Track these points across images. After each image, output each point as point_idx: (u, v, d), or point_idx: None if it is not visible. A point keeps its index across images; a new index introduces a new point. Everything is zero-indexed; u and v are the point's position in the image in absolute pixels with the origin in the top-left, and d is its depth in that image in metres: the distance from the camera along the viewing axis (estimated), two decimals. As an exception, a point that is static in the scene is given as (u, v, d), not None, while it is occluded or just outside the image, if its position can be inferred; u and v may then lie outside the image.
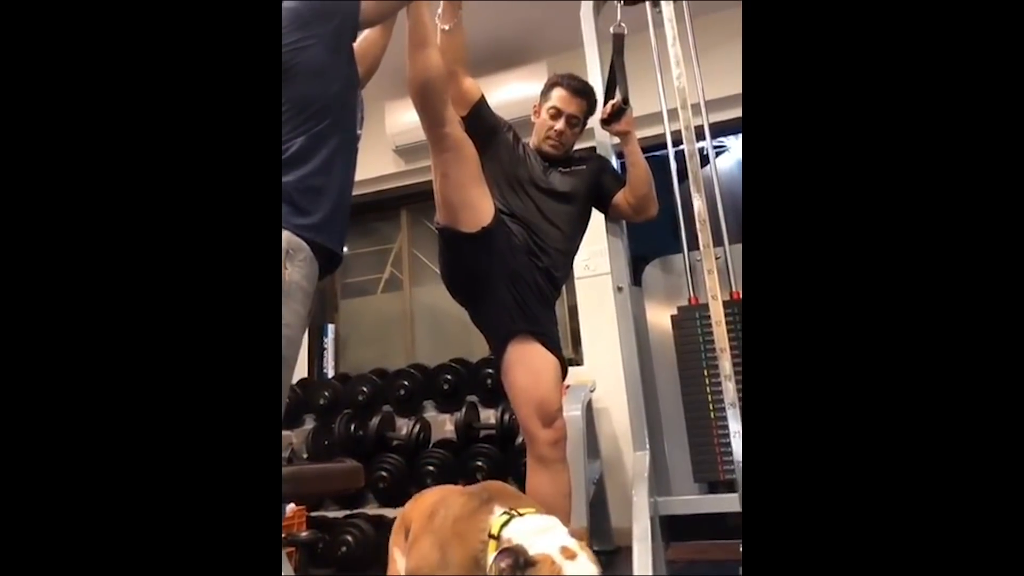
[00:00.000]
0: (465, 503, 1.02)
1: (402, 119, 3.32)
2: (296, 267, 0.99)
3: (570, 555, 0.88)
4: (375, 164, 3.57)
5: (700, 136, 1.91)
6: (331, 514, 2.99)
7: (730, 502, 1.63)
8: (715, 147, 2.15)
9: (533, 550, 0.88)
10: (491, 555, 0.92)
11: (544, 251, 1.78)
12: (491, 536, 0.94)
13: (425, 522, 1.09)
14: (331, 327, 3.74)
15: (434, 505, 1.11)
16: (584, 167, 1.92)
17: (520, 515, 0.97)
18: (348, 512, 2.96)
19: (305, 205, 1.01)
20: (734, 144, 3.29)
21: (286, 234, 0.98)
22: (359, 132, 1.20)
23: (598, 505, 2.61)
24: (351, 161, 1.17)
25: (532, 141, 1.95)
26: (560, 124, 1.88)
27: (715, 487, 1.86)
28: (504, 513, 0.97)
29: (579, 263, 2.75)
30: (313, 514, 2.93)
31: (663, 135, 2.08)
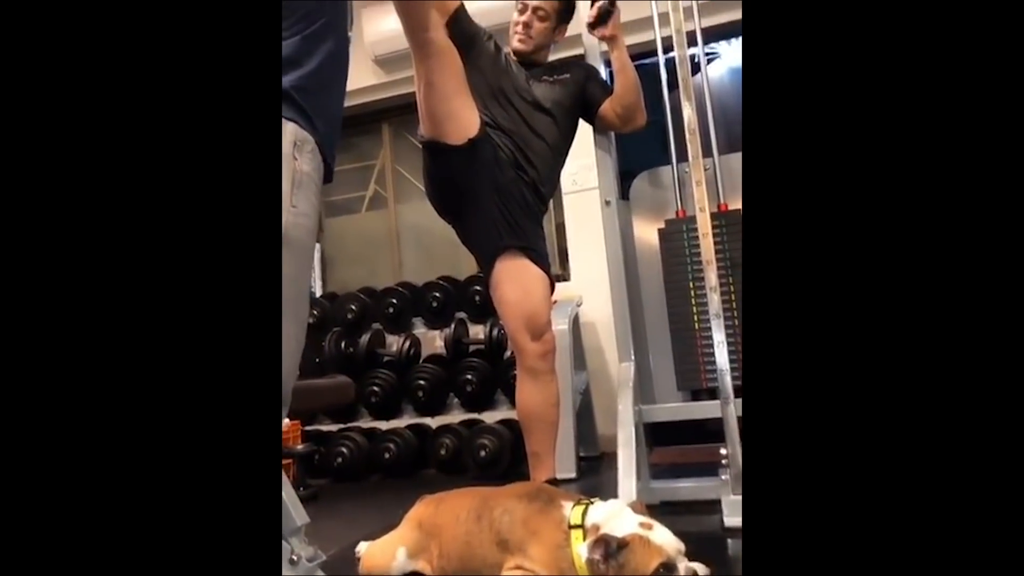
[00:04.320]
0: (529, 504, 1.11)
1: (381, 26, 3.16)
2: (305, 158, 0.97)
3: (648, 527, 0.98)
4: (352, 76, 3.39)
5: (692, 42, 1.84)
6: (326, 427, 3.08)
7: (712, 408, 1.69)
8: (706, 54, 2.08)
9: (620, 532, 0.97)
10: (576, 542, 1.03)
11: (531, 164, 1.75)
12: (573, 526, 1.04)
13: (472, 526, 1.14)
14: (317, 246, 3.71)
15: (476, 510, 1.16)
16: (568, 76, 1.86)
17: (591, 503, 1.07)
18: (342, 426, 3.05)
19: (303, 104, 0.98)
20: (725, 51, 3.19)
21: (292, 126, 0.95)
22: (349, 34, 1.13)
23: (584, 413, 2.70)
24: (343, 68, 1.12)
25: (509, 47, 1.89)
26: (526, 16, 1.83)
27: (698, 395, 1.93)
28: (576, 505, 1.07)
29: (566, 177, 2.71)
30: (308, 428, 3.01)
31: (653, 42, 2.00)
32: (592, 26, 1.85)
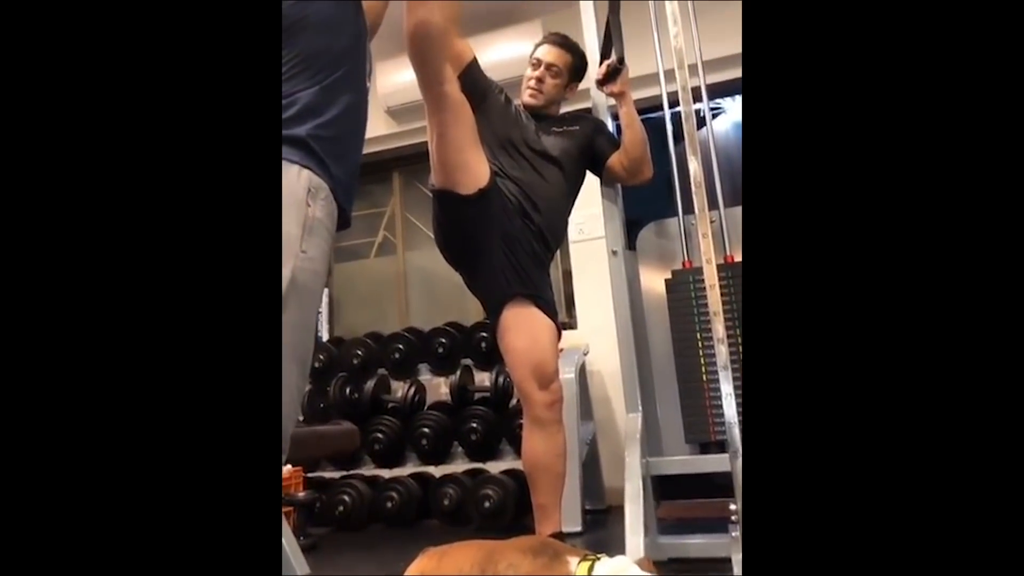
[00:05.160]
0: (534, 559, 1.09)
1: (394, 79, 3.26)
2: (319, 204, 0.99)
3: None
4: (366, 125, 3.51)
5: (697, 98, 1.88)
6: (328, 475, 3.04)
7: (720, 462, 1.66)
8: (711, 109, 2.13)
9: None
10: None
11: (538, 211, 1.77)
12: None
13: None
14: (325, 291, 3.73)
15: (480, 565, 1.13)
16: (577, 128, 1.90)
17: (598, 559, 1.05)
18: (344, 473, 3.01)
19: (319, 152, 1.01)
20: (730, 106, 3.26)
21: (307, 172, 0.98)
22: (368, 85, 1.18)
23: (591, 465, 2.66)
24: (362, 118, 1.15)
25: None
26: (539, 72, 1.89)
27: (706, 447, 1.90)
28: (582, 561, 1.05)
29: (573, 227, 2.74)
30: (310, 475, 2.97)
31: (659, 97, 2.05)
32: (601, 83, 1.91)
